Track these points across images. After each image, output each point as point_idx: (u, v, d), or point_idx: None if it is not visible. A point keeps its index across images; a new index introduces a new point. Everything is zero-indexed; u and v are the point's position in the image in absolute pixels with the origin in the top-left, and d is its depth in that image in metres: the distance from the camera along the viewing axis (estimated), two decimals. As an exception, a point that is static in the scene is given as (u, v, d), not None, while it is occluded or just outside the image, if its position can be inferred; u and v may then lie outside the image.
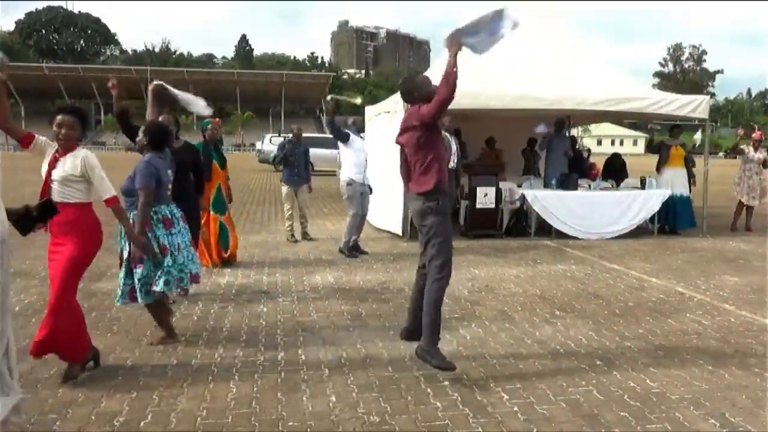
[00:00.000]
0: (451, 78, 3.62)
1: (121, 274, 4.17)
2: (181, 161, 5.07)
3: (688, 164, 10.42)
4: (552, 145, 10.19)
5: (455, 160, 8.27)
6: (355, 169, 7.81)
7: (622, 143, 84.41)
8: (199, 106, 5.26)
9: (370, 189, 8.03)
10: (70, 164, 3.59)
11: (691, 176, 10.44)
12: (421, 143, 3.81)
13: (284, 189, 8.95)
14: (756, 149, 10.53)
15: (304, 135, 9.61)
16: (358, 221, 7.89)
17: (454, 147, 8.22)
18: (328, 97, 8.76)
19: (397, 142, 4.04)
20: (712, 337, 4.74)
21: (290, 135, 9.21)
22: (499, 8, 3.83)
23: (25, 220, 2.98)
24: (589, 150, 14.22)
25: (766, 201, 10.56)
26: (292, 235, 8.93)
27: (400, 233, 9.00)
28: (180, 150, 5.40)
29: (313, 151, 10.61)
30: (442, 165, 3.87)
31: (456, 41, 3.75)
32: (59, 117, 3.56)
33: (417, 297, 4.05)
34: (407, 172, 4.04)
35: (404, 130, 3.92)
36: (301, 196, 8.98)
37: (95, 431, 3.10)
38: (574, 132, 10.53)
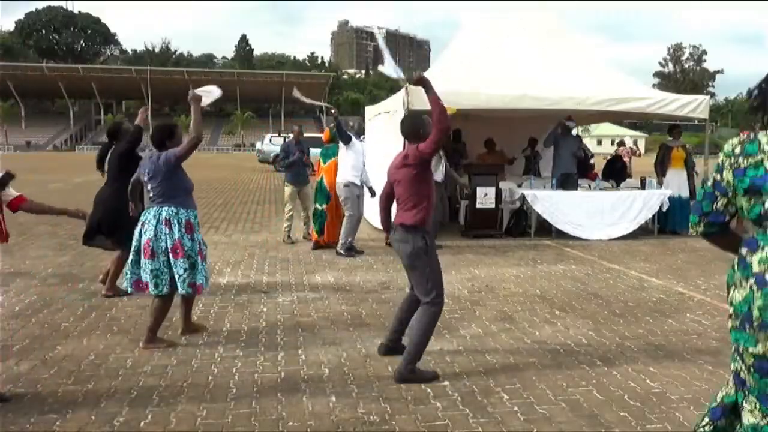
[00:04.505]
0: (443, 111, 3.65)
1: (130, 264, 4.30)
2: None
3: (689, 167, 10.41)
4: (559, 144, 10.14)
5: (443, 173, 8.35)
6: (353, 171, 7.85)
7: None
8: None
9: (372, 191, 8.03)
10: None
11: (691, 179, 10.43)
12: (415, 181, 3.80)
13: (288, 189, 8.97)
14: None
15: (304, 135, 9.69)
16: (355, 223, 7.91)
17: (442, 161, 8.36)
18: (333, 110, 8.78)
19: (392, 178, 3.96)
20: (712, 337, 4.74)
21: (291, 135, 9.26)
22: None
23: None
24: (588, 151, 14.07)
25: None
26: (289, 236, 8.90)
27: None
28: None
29: (314, 151, 10.62)
30: (431, 204, 3.87)
31: (421, 77, 3.79)
32: None
33: (403, 315, 4.07)
34: (387, 204, 4.06)
35: (401, 165, 3.87)
36: (304, 196, 9.01)
37: (95, 431, 3.10)
38: (574, 132, 10.50)
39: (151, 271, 4.18)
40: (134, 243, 4.29)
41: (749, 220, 2.10)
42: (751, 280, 2.08)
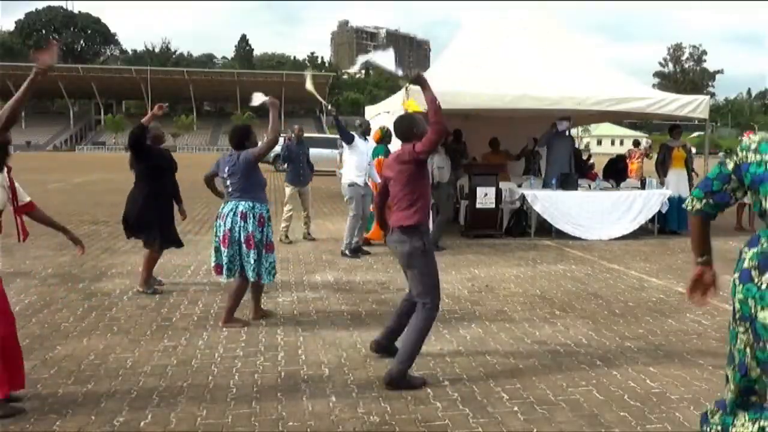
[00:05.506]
0: (438, 110, 3.63)
1: (213, 250, 4.82)
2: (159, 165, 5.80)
3: (689, 167, 10.41)
4: (552, 144, 10.13)
5: (450, 172, 8.48)
6: (357, 171, 7.85)
7: (622, 143, 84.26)
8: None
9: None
10: None
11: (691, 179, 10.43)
12: (410, 180, 3.77)
13: (288, 190, 8.97)
14: None
15: (304, 135, 9.64)
16: (358, 222, 7.90)
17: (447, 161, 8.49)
18: (330, 106, 8.82)
19: (385, 176, 3.96)
20: (712, 337, 4.74)
21: (288, 134, 9.24)
22: None
23: None
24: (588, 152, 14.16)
25: None
26: (287, 236, 8.87)
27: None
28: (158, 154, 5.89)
29: (314, 151, 10.62)
30: (426, 203, 3.86)
31: (419, 74, 3.79)
32: None
33: (398, 320, 4.05)
34: (383, 203, 4.07)
35: (396, 163, 3.84)
36: (304, 197, 8.99)
37: (95, 431, 3.10)
38: (573, 132, 10.53)
39: (227, 257, 4.69)
40: (215, 230, 4.81)
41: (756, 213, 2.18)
42: (736, 275, 2.15)
